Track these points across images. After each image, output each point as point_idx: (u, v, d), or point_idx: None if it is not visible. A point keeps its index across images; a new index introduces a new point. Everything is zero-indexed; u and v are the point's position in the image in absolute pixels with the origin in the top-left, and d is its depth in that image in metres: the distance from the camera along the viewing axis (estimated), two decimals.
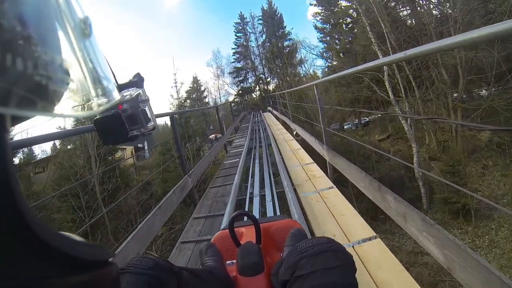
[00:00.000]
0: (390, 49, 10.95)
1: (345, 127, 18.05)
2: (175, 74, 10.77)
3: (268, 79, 26.26)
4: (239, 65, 27.01)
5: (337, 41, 19.18)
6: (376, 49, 11.44)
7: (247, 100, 26.83)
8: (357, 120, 17.11)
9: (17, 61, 0.14)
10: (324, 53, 20.10)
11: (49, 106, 0.17)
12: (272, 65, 23.59)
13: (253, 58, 26.78)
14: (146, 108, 0.38)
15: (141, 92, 0.38)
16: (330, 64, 19.31)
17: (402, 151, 12.97)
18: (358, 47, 14.44)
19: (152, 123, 0.39)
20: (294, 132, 5.65)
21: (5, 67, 0.13)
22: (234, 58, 27.01)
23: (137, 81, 0.38)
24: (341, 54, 17.43)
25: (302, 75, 21.79)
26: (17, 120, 0.16)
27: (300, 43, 20.50)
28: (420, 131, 12.07)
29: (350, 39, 17.63)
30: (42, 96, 0.16)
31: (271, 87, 25.36)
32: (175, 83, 12.15)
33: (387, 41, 11.07)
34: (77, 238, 0.18)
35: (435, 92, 10.69)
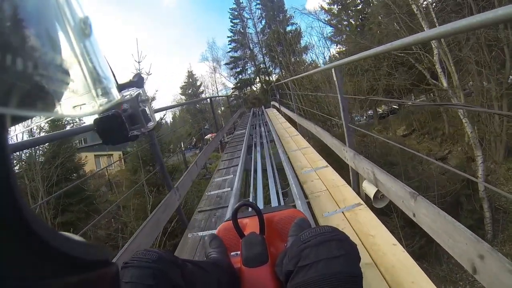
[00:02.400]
0: (435, 22, 9.39)
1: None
2: (139, 62, 7.11)
3: (270, 69, 25.76)
4: (236, 54, 26.52)
5: (345, 22, 18.90)
6: (420, 19, 9.69)
7: (246, 93, 26.32)
8: (370, 111, 16.27)
9: (17, 61, 0.15)
10: (332, 37, 19.80)
11: (49, 106, 0.19)
12: (274, 53, 22.84)
13: (251, 47, 26.24)
14: (146, 108, 0.41)
15: (141, 92, 0.41)
16: (340, 49, 18.85)
17: (433, 151, 11.40)
18: (376, 26, 13.49)
19: (152, 123, 0.42)
20: (366, 188, 2.09)
21: (5, 67, 0.14)
22: (230, 47, 26.53)
23: (137, 81, 0.41)
24: (353, 36, 17.04)
25: (309, 62, 21.04)
26: (17, 120, 0.18)
27: (315, 14, 19.63)
28: (455, 125, 10.79)
29: (361, 20, 17.37)
30: (42, 96, 0.18)
31: (273, 78, 24.77)
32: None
33: (431, 11, 9.53)
34: (77, 238, 0.20)
35: (478, 77, 9.46)
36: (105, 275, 0.21)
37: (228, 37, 26.36)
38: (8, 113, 0.15)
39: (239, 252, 0.81)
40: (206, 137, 14.83)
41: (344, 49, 18.09)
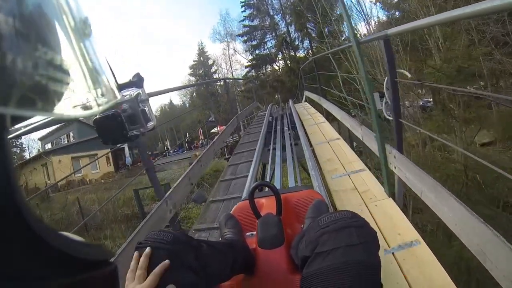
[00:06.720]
0: None
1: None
2: None
3: (296, 43, 23.13)
4: (252, 23, 24.03)
5: None
6: None
7: (266, 74, 23.71)
8: (420, 102, 10.73)
9: (17, 61, 0.17)
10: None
11: (49, 106, 0.22)
12: (303, 20, 20.10)
13: (272, 13, 23.49)
14: (146, 108, 0.46)
15: (141, 92, 0.46)
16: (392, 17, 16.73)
17: None
18: None
19: (152, 122, 0.47)
20: None
21: (6, 67, 0.16)
22: (245, 15, 24.01)
23: (137, 81, 0.46)
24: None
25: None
26: (17, 120, 0.21)
27: None
28: None
29: None
30: (42, 96, 0.21)
31: (301, 54, 22.22)
32: None
33: None
34: (77, 238, 0.24)
35: None
36: (104, 275, 0.25)
37: (242, 2, 23.76)
38: (8, 113, 0.18)
39: (254, 232, 0.90)
40: (212, 130, 14.53)
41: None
